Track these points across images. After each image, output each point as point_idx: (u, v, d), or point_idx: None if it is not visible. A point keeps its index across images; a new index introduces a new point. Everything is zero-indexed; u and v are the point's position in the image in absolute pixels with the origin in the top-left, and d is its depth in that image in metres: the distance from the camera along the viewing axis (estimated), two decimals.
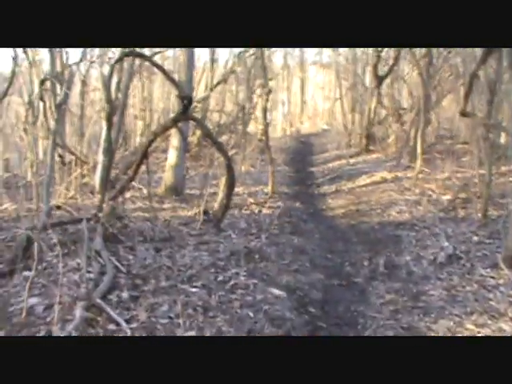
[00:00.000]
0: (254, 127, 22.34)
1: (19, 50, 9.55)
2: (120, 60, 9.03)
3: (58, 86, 11.46)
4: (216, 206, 8.94)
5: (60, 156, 11.91)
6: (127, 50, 7.19)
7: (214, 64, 19.59)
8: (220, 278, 5.95)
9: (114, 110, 9.17)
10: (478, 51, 10.66)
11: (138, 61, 12.91)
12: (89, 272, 5.67)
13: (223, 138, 19.10)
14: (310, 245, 8.00)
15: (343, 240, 8.63)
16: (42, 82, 11.18)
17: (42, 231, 6.47)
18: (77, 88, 15.86)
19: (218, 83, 19.24)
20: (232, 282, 5.80)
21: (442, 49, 15.41)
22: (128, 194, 10.80)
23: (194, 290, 5.48)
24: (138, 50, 8.12)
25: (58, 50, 11.86)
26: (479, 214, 8.52)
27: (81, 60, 12.50)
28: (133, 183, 10.70)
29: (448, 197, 9.98)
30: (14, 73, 8.06)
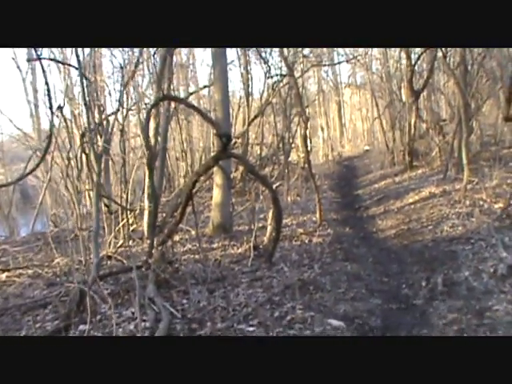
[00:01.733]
0: (295, 156, 22.31)
1: (55, 108, 9.69)
2: (155, 105, 9.12)
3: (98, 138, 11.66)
4: (266, 240, 8.89)
5: (106, 206, 12.04)
6: (161, 94, 7.26)
7: (249, 98, 19.65)
8: (276, 313, 5.86)
9: (155, 155, 9.24)
10: None
11: (173, 104, 13.02)
12: (144, 321, 5.67)
13: (266, 170, 19.16)
14: (365, 270, 7.83)
15: (398, 261, 8.43)
16: (83, 136, 11.36)
17: (93, 284, 6.51)
18: (117, 137, 16.06)
19: (255, 116, 19.29)
20: (289, 317, 5.70)
21: (476, 54, 15.20)
22: (177, 237, 10.83)
23: (251, 329, 5.41)
24: (172, 93, 8.25)
25: (96, 102, 12.04)
26: None
27: (118, 110, 12.64)
28: (181, 225, 10.75)
29: (500, 205, 9.66)
30: (51, 131, 8.14)
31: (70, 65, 10.91)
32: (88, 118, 9.17)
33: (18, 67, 24.10)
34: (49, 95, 6.48)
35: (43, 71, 6.67)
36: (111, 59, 34.66)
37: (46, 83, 6.38)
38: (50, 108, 6.44)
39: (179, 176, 21.51)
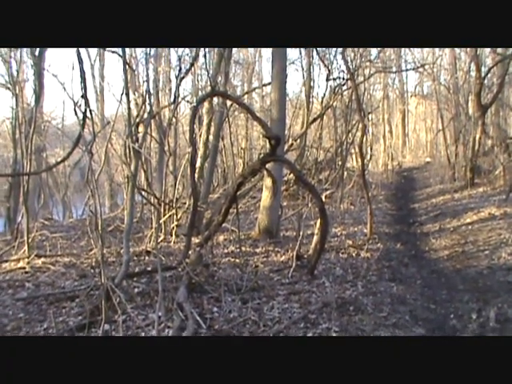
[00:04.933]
0: (354, 163, 21.85)
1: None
2: (203, 100, 8.82)
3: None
4: (311, 250, 8.48)
5: (147, 200, 11.86)
6: (209, 91, 6.98)
7: (309, 100, 19.23)
8: (309, 334, 5.46)
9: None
10: None
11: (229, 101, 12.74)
12: (168, 327, 5.43)
13: (322, 175, 18.74)
14: (411, 293, 7.28)
15: (448, 287, 7.84)
16: (137, 126, 11.18)
17: (122, 281, 6.35)
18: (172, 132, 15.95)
19: (315, 119, 18.86)
20: None
21: None
22: (221, 237, 10.55)
23: None
24: (221, 89, 7.96)
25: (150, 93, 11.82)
26: None
27: (173, 102, 12.42)
28: (227, 226, 10.45)
29: None
30: (84, 121, 7.80)
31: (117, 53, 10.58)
32: (140, 108, 8.98)
33: (88, 54, 24.58)
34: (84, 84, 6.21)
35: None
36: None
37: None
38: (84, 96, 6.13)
39: (235, 173, 21.25)
